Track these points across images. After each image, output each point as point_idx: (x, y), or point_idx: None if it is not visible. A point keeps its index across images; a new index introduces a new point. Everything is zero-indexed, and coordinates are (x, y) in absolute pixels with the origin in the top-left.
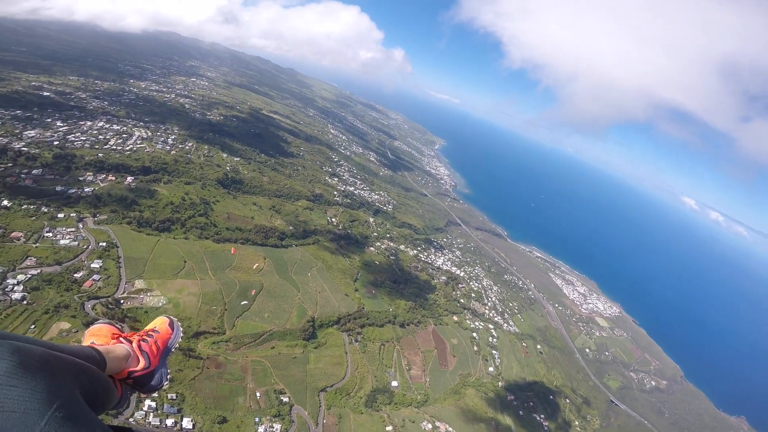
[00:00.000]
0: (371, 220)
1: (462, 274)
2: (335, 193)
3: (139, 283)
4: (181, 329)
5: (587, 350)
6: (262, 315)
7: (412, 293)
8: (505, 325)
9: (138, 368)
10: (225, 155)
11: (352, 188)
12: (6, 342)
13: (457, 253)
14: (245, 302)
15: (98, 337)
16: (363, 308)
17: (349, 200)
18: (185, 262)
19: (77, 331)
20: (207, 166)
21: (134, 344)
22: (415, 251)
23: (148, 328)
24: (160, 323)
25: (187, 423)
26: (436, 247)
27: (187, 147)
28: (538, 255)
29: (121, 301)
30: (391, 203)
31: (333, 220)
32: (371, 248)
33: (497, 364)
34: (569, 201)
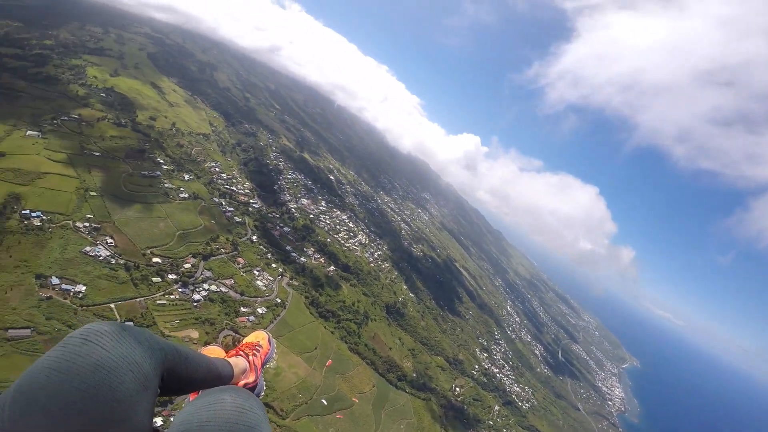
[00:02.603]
0: (497, 408)
1: None
2: (476, 366)
3: None
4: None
5: None
6: (327, 428)
7: None
8: None
9: (250, 381)
10: (405, 287)
11: (496, 370)
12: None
13: None
14: (325, 402)
15: (211, 353)
16: None
17: (485, 379)
18: (315, 348)
19: (196, 343)
20: (386, 289)
21: (250, 358)
22: None
23: (252, 341)
24: (262, 338)
25: None
26: None
27: (383, 266)
28: None
29: None
30: (530, 402)
31: (457, 389)
32: None
33: None
34: None
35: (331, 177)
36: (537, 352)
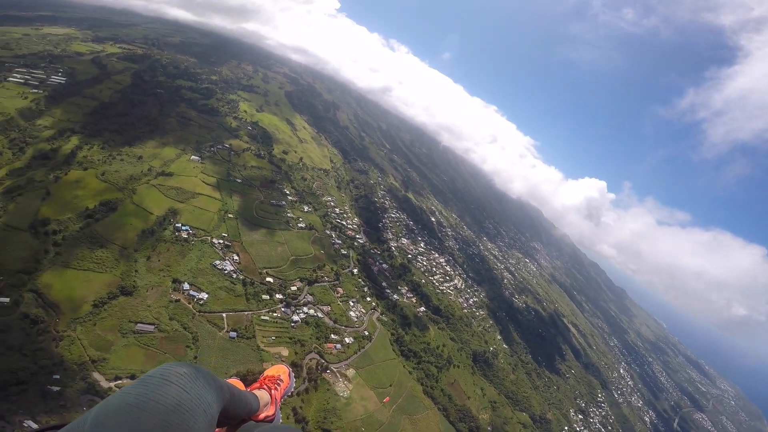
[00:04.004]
0: None
1: None
2: (566, 428)
3: (350, 372)
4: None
5: None
6: None
7: None
8: None
9: (270, 414)
10: (498, 337)
11: None
12: None
13: None
14: None
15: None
16: None
17: None
18: (390, 385)
19: (284, 360)
20: (477, 337)
21: (272, 392)
22: None
23: (274, 374)
24: (283, 373)
25: None
26: None
27: (477, 313)
28: None
29: (327, 371)
30: None
31: None
32: None
33: None
34: None
35: (433, 219)
36: (646, 419)
